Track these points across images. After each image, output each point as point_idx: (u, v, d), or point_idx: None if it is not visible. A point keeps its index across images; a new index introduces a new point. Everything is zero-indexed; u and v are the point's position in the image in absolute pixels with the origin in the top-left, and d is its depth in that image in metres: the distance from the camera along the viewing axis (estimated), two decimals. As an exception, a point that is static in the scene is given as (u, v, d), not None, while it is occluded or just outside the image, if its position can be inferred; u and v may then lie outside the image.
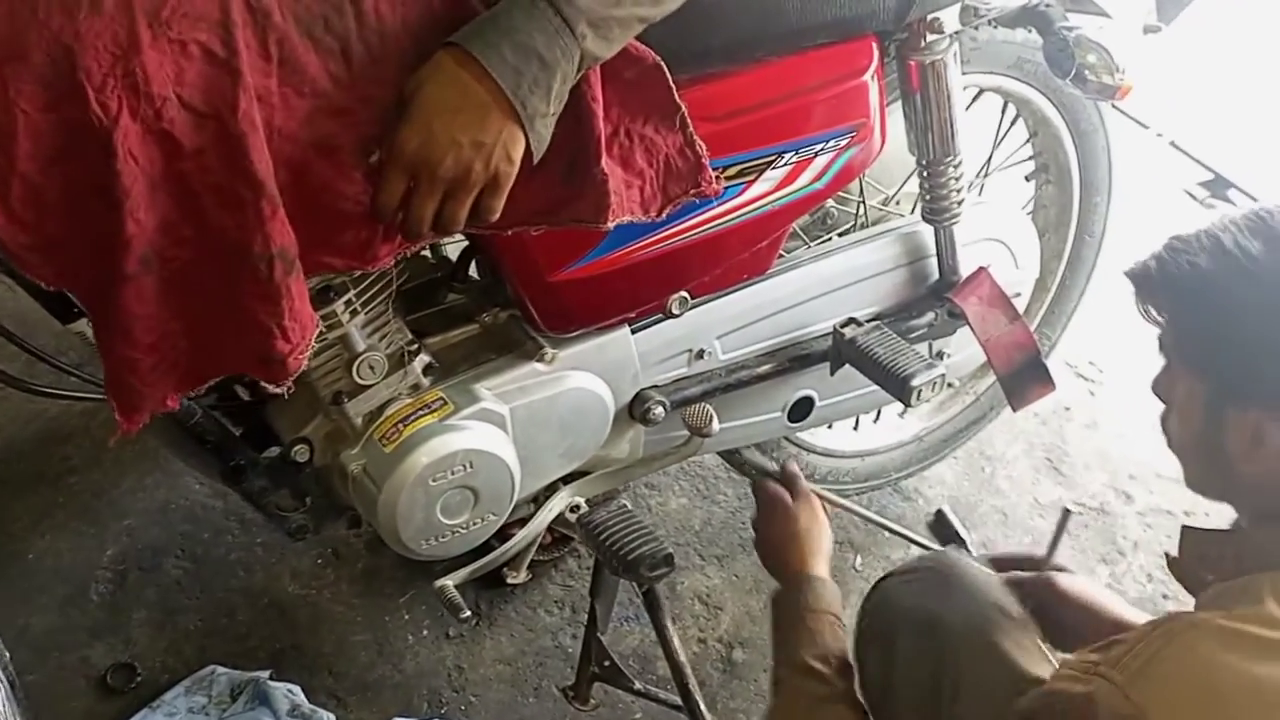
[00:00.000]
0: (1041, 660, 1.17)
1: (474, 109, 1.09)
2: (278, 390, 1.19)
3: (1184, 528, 1.08)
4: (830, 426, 1.97)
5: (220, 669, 1.76)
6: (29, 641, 1.78)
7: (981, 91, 1.76)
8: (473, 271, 1.57)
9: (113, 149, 0.99)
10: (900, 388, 1.55)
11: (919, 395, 1.55)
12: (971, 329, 1.67)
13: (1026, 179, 1.96)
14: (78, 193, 1.02)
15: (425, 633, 1.90)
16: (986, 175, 1.88)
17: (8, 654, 1.20)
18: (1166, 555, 1.12)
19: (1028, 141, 1.89)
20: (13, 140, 0.98)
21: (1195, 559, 1.06)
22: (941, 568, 1.27)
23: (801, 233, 1.81)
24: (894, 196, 1.84)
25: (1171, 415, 1.09)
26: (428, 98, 1.09)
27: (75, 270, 1.07)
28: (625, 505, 1.52)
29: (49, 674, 1.76)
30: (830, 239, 1.77)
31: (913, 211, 1.78)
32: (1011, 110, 1.84)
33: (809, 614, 1.27)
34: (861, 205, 1.80)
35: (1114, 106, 1.81)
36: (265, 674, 1.76)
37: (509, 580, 1.92)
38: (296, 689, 1.75)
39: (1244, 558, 0.98)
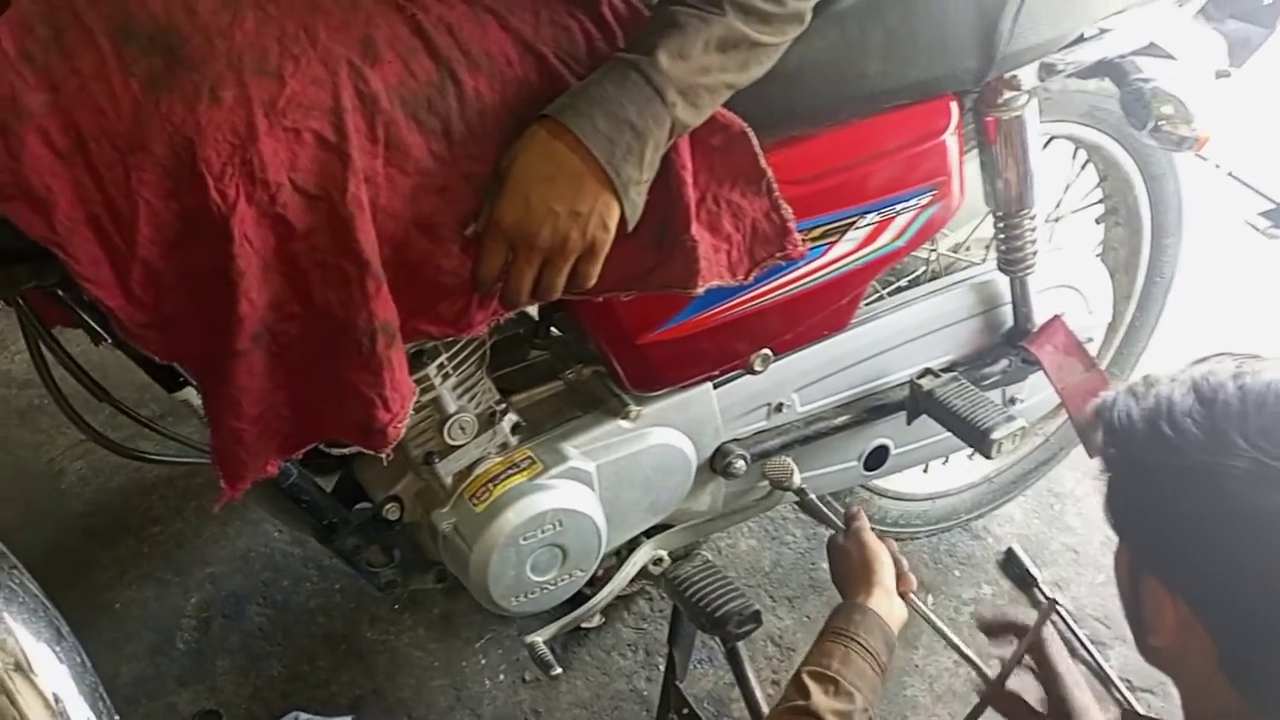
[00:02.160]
0: None
1: (569, 179, 1.11)
2: (376, 455, 1.22)
3: (1125, 712, 1.05)
4: (901, 471, 1.98)
5: (303, 715, 1.79)
6: (118, 689, 1.82)
7: (1052, 138, 1.77)
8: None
9: (230, 234, 1.02)
10: (981, 440, 1.55)
11: (999, 448, 1.56)
12: (1048, 378, 1.67)
13: (1096, 222, 1.96)
14: (194, 274, 1.05)
15: (502, 677, 1.92)
16: (1057, 220, 1.89)
17: (109, 698, 1.23)
18: None
19: (1098, 185, 1.90)
20: (134, 227, 1.01)
21: None
22: None
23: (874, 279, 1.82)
24: (965, 243, 1.84)
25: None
26: (523, 169, 1.11)
27: (188, 346, 1.11)
28: (709, 560, 1.53)
29: (138, 721, 1.80)
30: (901, 285, 1.78)
31: (985, 258, 1.79)
32: (1081, 155, 1.85)
33: (829, 633, 1.27)
34: (932, 252, 1.81)
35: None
36: (347, 719, 1.79)
37: (584, 625, 1.94)
38: (379, 734, 1.78)
39: None
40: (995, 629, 1.33)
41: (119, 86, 0.99)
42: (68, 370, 1.29)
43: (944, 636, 1.39)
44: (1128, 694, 1.88)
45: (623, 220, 1.16)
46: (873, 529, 1.43)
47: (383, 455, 1.22)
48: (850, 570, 1.38)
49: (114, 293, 1.04)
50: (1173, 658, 0.96)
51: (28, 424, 2.32)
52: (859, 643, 1.24)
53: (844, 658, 1.22)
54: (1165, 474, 0.89)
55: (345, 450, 1.41)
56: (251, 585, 2.01)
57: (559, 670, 1.43)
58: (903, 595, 1.36)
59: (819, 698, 1.17)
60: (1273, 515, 0.83)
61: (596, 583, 1.57)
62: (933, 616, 1.39)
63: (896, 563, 1.38)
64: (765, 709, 1.57)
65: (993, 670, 1.37)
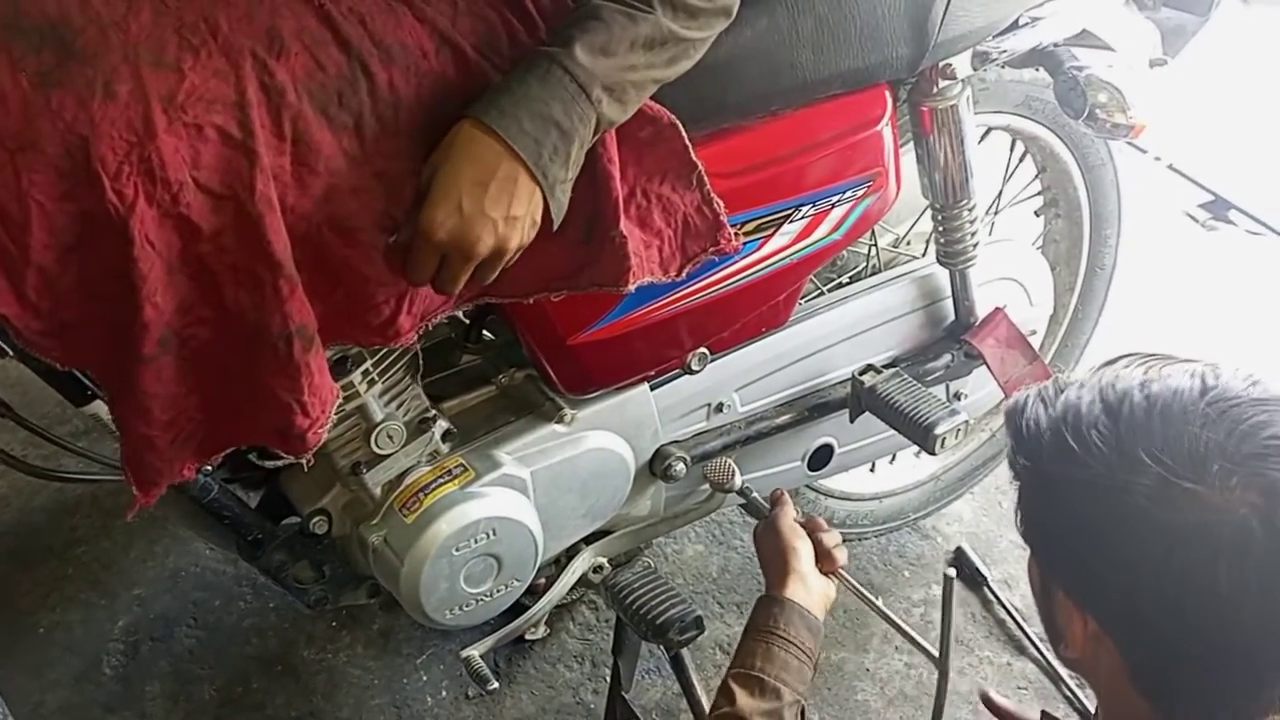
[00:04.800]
0: None
1: (501, 183, 1.06)
2: (296, 461, 1.18)
3: (1043, 713, 1.04)
4: (847, 470, 1.96)
5: (238, 739, 1.74)
6: (43, 718, 1.75)
7: (990, 130, 1.75)
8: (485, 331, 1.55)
9: (129, 236, 0.98)
10: (923, 436, 1.53)
11: (943, 443, 1.54)
12: (991, 372, 1.66)
13: (1036, 214, 1.95)
14: (94, 279, 1.00)
15: (444, 693, 1.87)
16: (997, 212, 1.87)
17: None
18: None
19: (1036, 177, 1.89)
20: (27, 231, 0.96)
21: None
22: None
23: (813, 277, 1.79)
24: (905, 238, 1.82)
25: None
26: (451, 175, 1.06)
27: (90, 352, 1.06)
28: (649, 565, 1.50)
29: (63, 752, 1.73)
30: (842, 282, 1.76)
31: (925, 252, 1.77)
32: (1020, 146, 1.84)
33: (749, 632, 1.25)
34: (872, 247, 1.78)
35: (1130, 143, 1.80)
36: (284, 743, 1.73)
37: (527, 636, 1.90)
38: (316, 758, 1.72)
39: None
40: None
41: (7, 84, 0.94)
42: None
43: (877, 610, 1.38)
44: (1076, 690, 1.87)
45: (546, 218, 1.12)
46: (802, 513, 1.42)
47: (303, 461, 1.17)
48: (767, 561, 1.36)
49: (7, 300, 0.98)
50: (1086, 667, 0.95)
51: (-56, 445, 2.23)
52: (780, 635, 1.22)
53: (766, 654, 1.20)
54: (1070, 487, 0.86)
55: (276, 463, 1.36)
56: (181, 606, 1.95)
57: (496, 685, 1.39)
58: (830, 574, 1.34)
59: (744, 700, 1.16)
60: (1178, 533, 0.80)
61: (537, 593, 1.53)
62: (864, 591, 1.38)
63: (818, 543, 1.35)
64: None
65: (931, 645, 1.37)
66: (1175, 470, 0.80)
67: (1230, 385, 0.84)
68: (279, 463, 1.35)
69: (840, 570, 1.36)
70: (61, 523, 2.05)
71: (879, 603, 1.39)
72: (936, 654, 1.34)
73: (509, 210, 1.06)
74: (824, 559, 1.35)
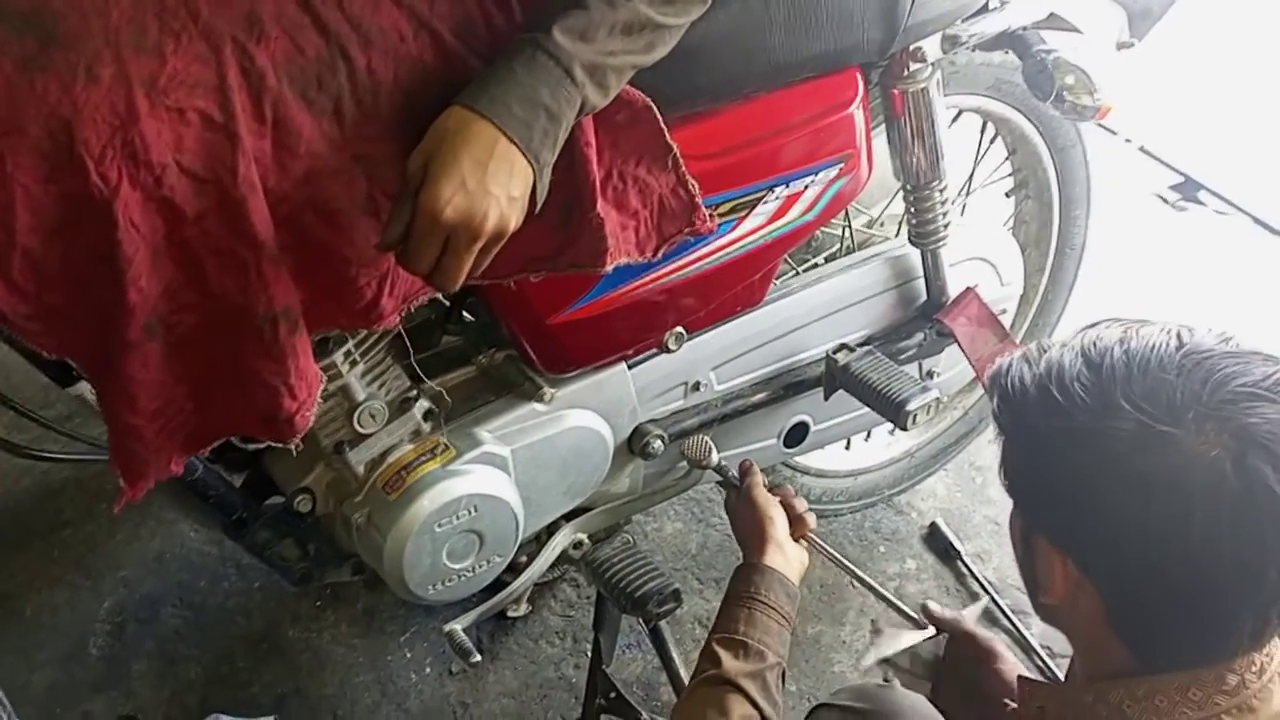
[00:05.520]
0: None
1: (499, 162, 1.06)
2: (286, 446, 1.19)
3: (1020, 678, 1.06)
4: (822, 447, 1.99)
5: (224, 717, 1.75)
6: (30, 699, 1.77)
7: (961, 112, 1.78)
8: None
9: (114, 219, 0.99)
10: (896, 413, 1.56)
11: (914, 420, 1.56)
12: (962, 350, 1.69)
13: (1006, 195, 1.98)
14: (79, 263, 1.01)
15: (428, 670, 1.90)
16: (968, 194, 1.90)
17: (11, 704, 1.19)
18: (1005, 703, 1.10)
19: (1007, 159, 1.91)
20: (11, 214, 0.97)
21: (1035, 712, 1.01)
22: (879, 712, 1.23)
23: (788, 258, 1.82)
24: (878, 219, 1.85)
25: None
26: (450, 156, 1.04)
27: (77, 338, 1.07)
28: (629, 540, 1.53)
29: (51, 731, 1.75)
30: (817, 262, 1.78)
31: (898, 233, 1.80)
32: (990, 128, 1.86)
33: (731, 598, 1.29)
34: (846, 228, 1.81)
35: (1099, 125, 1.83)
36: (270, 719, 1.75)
37: (509, 613, 1.93)
38: (301, 734, 1.75)
39: (1080, 718, 0.94)
40: (937, 624, 1.35)
41: None
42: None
43: (851, 573, 1.44)
44: (1048, 660, 1.92)
45: (530, 202, 1.13)
46: (771, 482, 1.46)
47: (292, 446, 1.19)
48: (744, 530, 1.40)
49: (-7, 282, 1.00)
50: (1065, 615, 0.98)
51: (-72, 429, 2.23)
52: (761, 601, 1.26)
53: (749, 619, 1.24)
54: (1054, 438, 0.90)
55: (259, 445, 1.38)
56: (166, 587, 1.96)
57: (478, 658, 1.41)
58: (802, 539, 1.40)
59: (730, 663, 1.19)
60: (1156, 476, 0.84)
61: (518, 570, 1.56)
62: (835, 554, 1.43)
63: (790, 509, 1.40)
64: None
65: (908, 606, 1.41)
66: (1154, 416, 0.85)
67: (1204, 340, 0.89)
68: (261, 444, 1.37)
69: (811, 535, 1.41)
70: (46, 505, 2.06)
71: (850, 563, 1.45)
72: (912, 614, 1.39)
73: (509, 189, 1.06)
74: (796, 524, 1.40)
